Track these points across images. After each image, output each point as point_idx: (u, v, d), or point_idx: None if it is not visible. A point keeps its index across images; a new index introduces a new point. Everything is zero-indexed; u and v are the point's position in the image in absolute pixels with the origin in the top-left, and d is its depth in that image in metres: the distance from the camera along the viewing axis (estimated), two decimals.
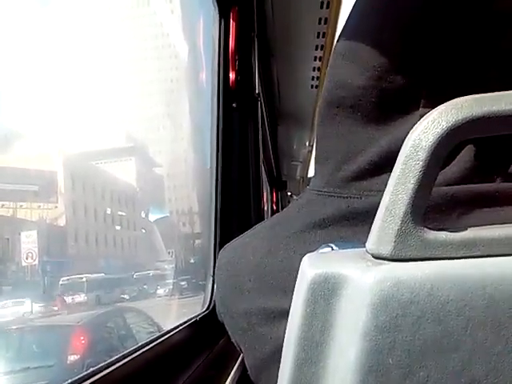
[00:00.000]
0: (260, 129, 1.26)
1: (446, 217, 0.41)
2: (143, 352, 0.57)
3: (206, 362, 0.68)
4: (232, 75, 1.08)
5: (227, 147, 1.13)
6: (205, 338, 0.80)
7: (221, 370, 0.64)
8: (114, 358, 0.52)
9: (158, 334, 0.69)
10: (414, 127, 0.33)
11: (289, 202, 6.29)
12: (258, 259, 0.52)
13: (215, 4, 1.12)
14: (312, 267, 0.34)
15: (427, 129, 0.32)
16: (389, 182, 0.34)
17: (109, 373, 0.47)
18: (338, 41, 0.52)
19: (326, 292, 0.33)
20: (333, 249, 0.38)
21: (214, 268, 1.10)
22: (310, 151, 5.63)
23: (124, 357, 0.52)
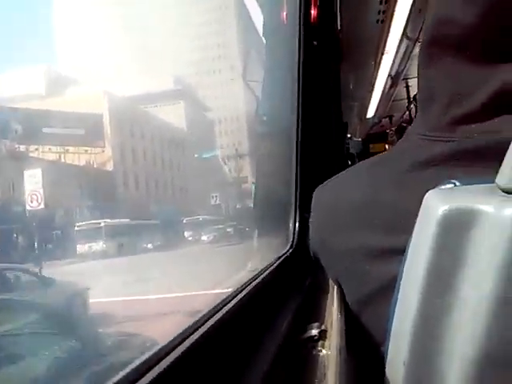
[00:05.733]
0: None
1: None
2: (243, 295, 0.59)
3: (297, 301, 0.71)
4: (314, 11, 1.04)
5: (308, 87, 1.12)
6: (293, 276, 0.84)
7: (315, 305, 0.67)
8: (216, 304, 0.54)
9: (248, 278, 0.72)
10: None
11: (347, 143, 6.16)
12: (361, 198, 0.52)
13: None
14: (441, 202, 0.35)
15: None
16: None
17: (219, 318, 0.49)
18: None
19: (458, 226, 0.34)
20: (455, 185, 0.38)
21: (295, 208, 1.11)
22: (371, 91, 5.44)
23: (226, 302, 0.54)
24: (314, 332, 0.52)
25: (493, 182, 0.35)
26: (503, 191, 0.34)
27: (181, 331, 0.40)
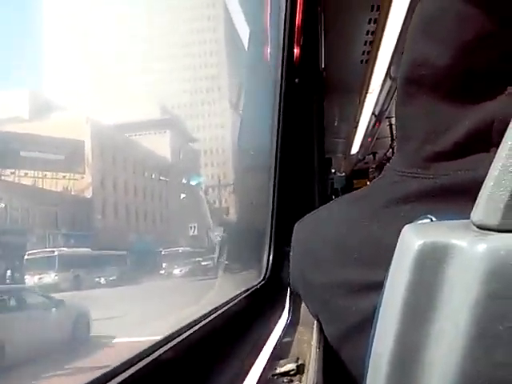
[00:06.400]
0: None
1: None
2: (208, 321, 0.59)
3: (270, 334, 0.70)
4: (296, 50, 1.08)
5: (288, 122, 1.14)
6: (262, 306, 0.83)
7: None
8: (180, 327, 0.54)
9: (219, 304, 0.72)
10: None
11: (332, 179, 6.24)
12: (340, 233, 0.53)
13: None
14: (417, 237, 0.36)
15: None
16: (497, 154, 0.34)
17: (177, 343, 0.49)
18: (416, 11, 0.51)
19: (434, 260, 0.34)
20: (432, 220, 0.39)
21: (270, 241, 1.12)
22: (355, 127, 5.57)
23: (190, 327, 0.54)
24: (292, 366, 0.51)
25: (468, 217, 0.36)
26: (477, 227, 0.35)
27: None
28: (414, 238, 0.36)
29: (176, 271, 13.95)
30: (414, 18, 0.51)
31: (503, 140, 0.34)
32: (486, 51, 0.44)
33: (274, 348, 0.61)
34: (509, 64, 0.44)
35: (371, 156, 7.59)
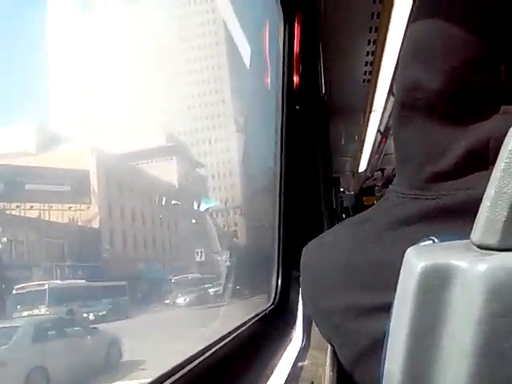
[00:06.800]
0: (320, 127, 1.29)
1: None
2: (219, 347, 0.60)
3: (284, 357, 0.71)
4: (296, 78, 1.11)
5: (292, 146, 1.16)
6: (273, 330, 0.84)
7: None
8: (194, 353, 0.55)
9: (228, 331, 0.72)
10: None
11: (341, 197, 6.23)
12: (345, 257, 0.54)
13: (280, 9, 1.15)
14: (420, 259, 0.37)
15: None
16: (493, 174, 0.36)
17: (191, 368, 0.49)
18: (406, 36, 0.53)
19: (437, 282, 0.35)
20: (434, 241, 0.41)
21: (278, 265, 1.12)
22: (362, 146, 5.59)
23: (204, 351, 0.55)
24: None
25: (469, 237, 0.37)
26: (477, 247, 0.36)
27: None
28: (416, 261, 0.37)
29: (180, 300, 13.05)
30: (405, 42, 0.52)
31: (497, 160, 0.36)
32: (476, 74, 0.46)
33: (290, 371, 0.61)
34: (500, 84, 0.46)
35: (379, 172, 7.58)
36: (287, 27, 1.13)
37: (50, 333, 5.64)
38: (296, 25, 1.11)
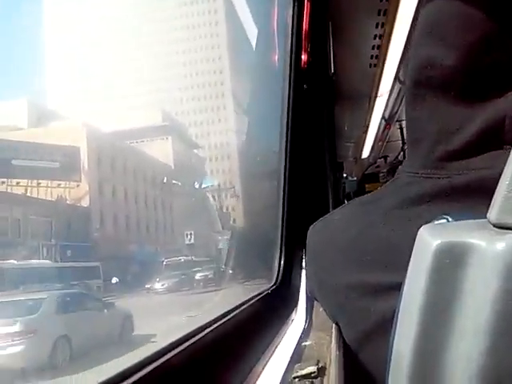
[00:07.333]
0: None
1: None
2: (223, 322, 0.60)
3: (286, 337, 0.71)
4: (304, 56, 1.09)
5: (298, 127, 1.15)
6: (275, 310, 0.84)
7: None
8: (193, 329, 0.55)
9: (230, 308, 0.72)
10: None
11: (344, 183, 6.23)
12: (352, 236, 0.54)
13: None
14: (435, 237, 0.36)
15: None
16: (511, 153, 0.35)
17: (191, 344, 0.49)
18: (420, 16, 0.52)
19: (452, 260, 0.35)
20: (448, 220, 0.40)
21: (281, 246, 1.12)
22: (365, 132, 5.56)
23: (202, 329, 0.54)
24: (312, 369, 0.52)
25: (485, 216, 0.36)
26: (494, 226, 0.35)
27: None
28: (431, 239, 0.36)
29: (157, 285, 12.14)
30: (419, 22, 0.52)
31: None
32: (491, 51, 0.45)
33: (294, 351, 0.61)
34: None
35: (382, 160, 7.56)
36: (296, 3, 1.11)
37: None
38: (306, 1, 1.09)
